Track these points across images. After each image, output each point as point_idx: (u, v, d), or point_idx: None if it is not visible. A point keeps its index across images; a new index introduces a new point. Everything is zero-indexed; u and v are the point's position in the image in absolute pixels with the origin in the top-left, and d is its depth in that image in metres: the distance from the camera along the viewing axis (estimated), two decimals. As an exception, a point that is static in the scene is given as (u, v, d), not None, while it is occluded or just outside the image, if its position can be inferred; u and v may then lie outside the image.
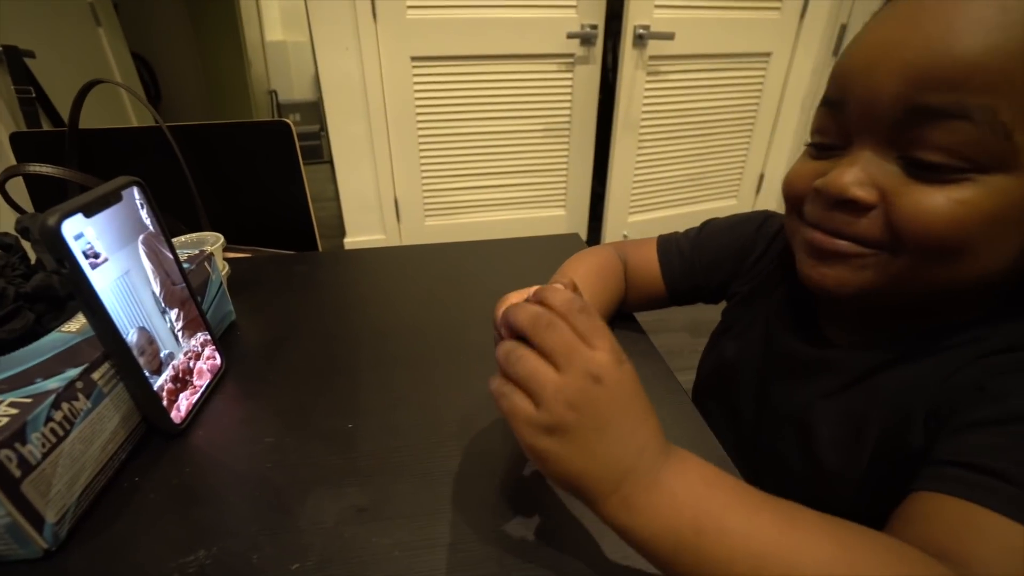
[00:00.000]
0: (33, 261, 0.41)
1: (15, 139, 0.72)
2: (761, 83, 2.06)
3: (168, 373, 0.39)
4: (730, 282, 0.51)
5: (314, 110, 4.17)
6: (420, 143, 1.97)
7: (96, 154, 0.77)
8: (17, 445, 0.29)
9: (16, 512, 0.28)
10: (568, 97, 1.99)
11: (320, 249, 0.82)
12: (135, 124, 2.07)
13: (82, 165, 0.75)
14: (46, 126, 1.53)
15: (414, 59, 1.82)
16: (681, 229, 0.55)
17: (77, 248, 0.31)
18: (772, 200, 2.35)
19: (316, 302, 0.59)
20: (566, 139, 2.08)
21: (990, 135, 0.26)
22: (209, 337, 0.45)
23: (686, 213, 2.25)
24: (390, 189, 2.06)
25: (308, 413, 0.42)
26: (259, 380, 0.46)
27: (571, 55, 1.91)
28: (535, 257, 0.71)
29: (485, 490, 0.35)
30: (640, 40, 1.80)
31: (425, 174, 2.05)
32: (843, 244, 0.32)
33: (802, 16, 1.96)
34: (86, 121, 0.72)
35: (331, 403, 0.43)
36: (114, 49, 2.05)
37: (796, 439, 0.40)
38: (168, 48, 2.90)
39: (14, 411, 0.30)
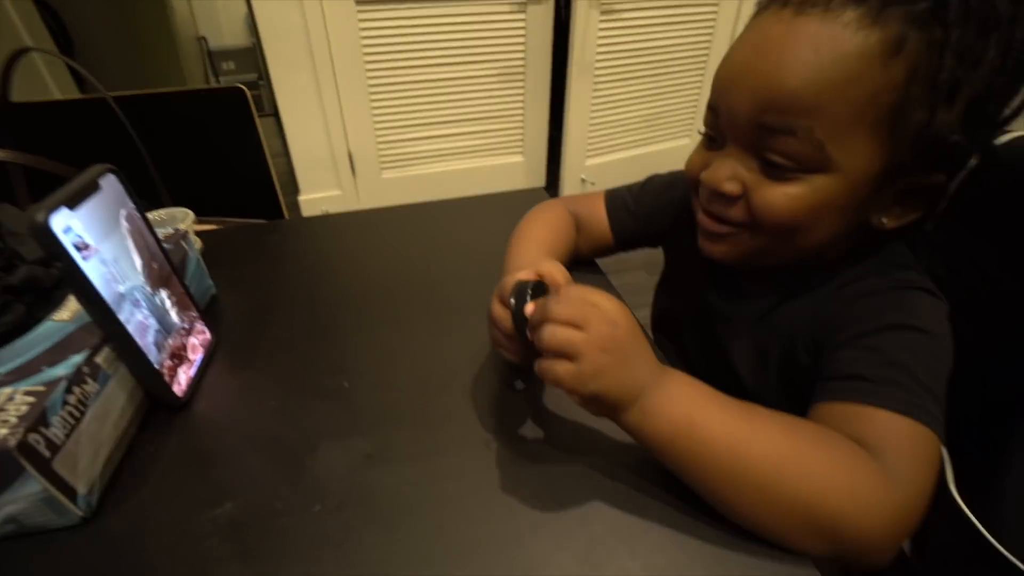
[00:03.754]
0: None
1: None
2: (714, 18, 2.06)
3: (166, 351, 0.41)
4: (666, 235, 0.57)
5: (250, 57, 3.86)
6: (371, 93, 1.90)
7: (32, 130, 0.73)
8: (42, 429, 0.31)
9: (51, 487, 0.31)
10: (521, 39, 1.95)
11: (285, 211, 0.82)
12: (54, 91, 1.90)
13: (20, 144, 0.71)
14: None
15: (359, 2, 1.73)
16: (639, 170, 0.61)
17: (67, 242, 0.32)
18: (724, 137, 2.41)
19: (292, 270, 0.61)
20: (521, 84, 2.05)
21: (810, 146, 0.34)
22: (197, 313, 0.47)
23: (642, 154, 2.28)
24: (343, 142, 1.99)
25: (304, 376, 0.45)
26: (251, 350, 0.48)
27: (522, -6, 1.85)
28: (502, 213, 0.74)
29: (477, 428, 0.40)
30: (591, -23, 1.76)
31: (378, 125, 1.99)
32: (722, 228, 0.40)
33: (751, -53, 1.95)
34: None
35: (324, 365, 0.46)
36: (14, -2, 1.84)
37: (726, 370, 0.49)
38: (75, -8, 2.61)
39: (31, 399, 0.32)
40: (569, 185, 2.16)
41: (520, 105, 2.10)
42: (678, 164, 0.56)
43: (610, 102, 2.10)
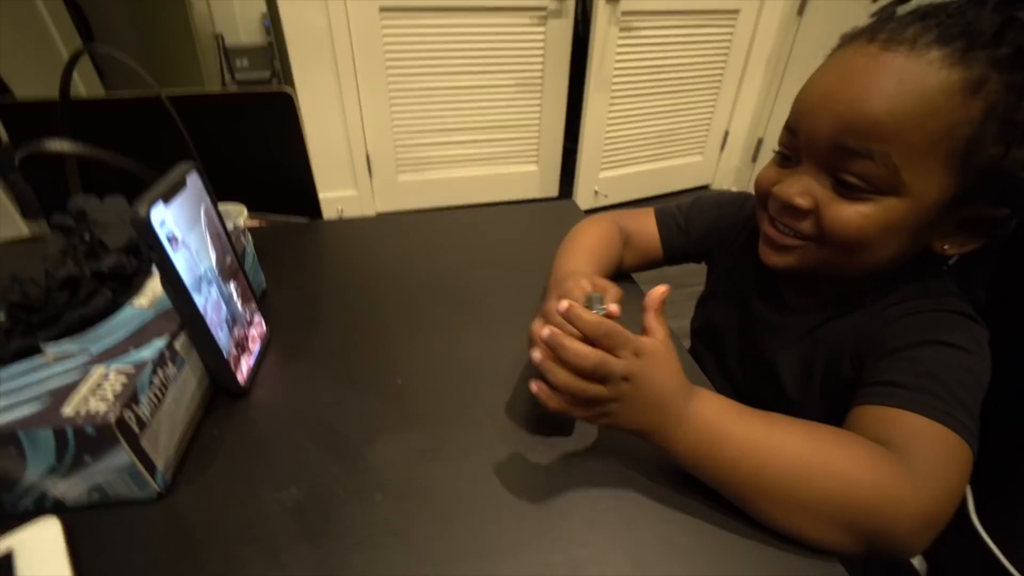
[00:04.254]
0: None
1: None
2: (729, 41, 2.10)
3: (233, 340, 0.43)
4: (714, 252, 0.60)
5: (263, 56, 3.89)
6: (391, 96, 1.94)
7: (82, 125, 0.75)
8: (133, 406, 0.33)
9: (138, 461, 0.33)
10: (540, 51, 1.99)
11: (323, 210, 0.85)
12: (79, 84, 1.93)
13: (75, 137, 0.74)
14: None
15: (383, 10, 1.77)
16: (651, 185, 0.64)
17: (163, 234, 0.35)
18: (735, 157, 2.44)
19: (336, 269, 0.63)
20: (538, 95, 2.08)
21: (885, 170, 0.36)
22: (256, 305, 0.49)
23: (655, 169, 2.31)
24: (361, 143, 2.03)
25: (357, 373, 0.47)
26: (302, 345, 0.51)
27: (543, 8, 1.90)
28: (536, 222, 0.77)
29: (524, 429, 0.42)
30: (614, -6, 1.80)
31: (397, 128, 2.02)
32: (788, 240, 0.43)
33: (770, -26, 1.99)
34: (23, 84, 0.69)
35: (376, 363, 0.48)
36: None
37: (769, 380, 0.51)
38: (97, -17, 2.63)
39: (124, 379, 0.34)
40: (583, 196, 2.19)
41: (536, 116, 2.14)
42: (690, 181, 0.59)
43: (626, 117, 2.13)
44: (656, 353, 0.34)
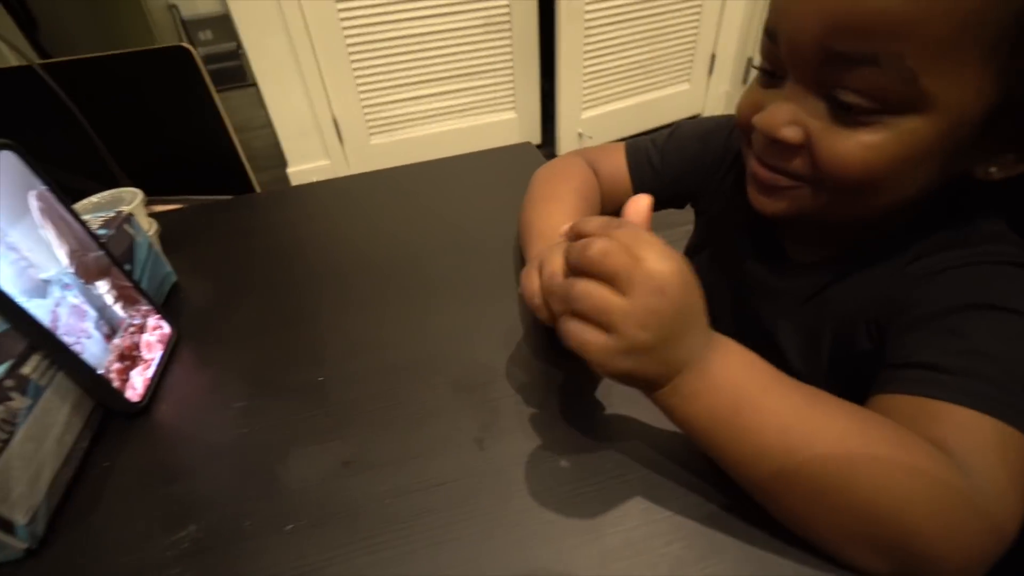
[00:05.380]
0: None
1: None
2: (710, -51, 1.91)
3: (112, 352, 0.36)
4: (699, 195, 0.50)
5: (227, 24, 3.67)
6: (350, 52, 1.80)
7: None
8: (-45, 458, 0.26)
9: (-23, 524, 0.27)
10: (505, -16, 1.82)
11: (257, 186, 0.76)
12: (10, 59, 1.79)
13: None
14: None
15: (326, -48, 1.60)
16: (638, 121, 0.54)
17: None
18: (725, 81, 2.28)
19: (263, 249, 0.55)
20: (508, 34, 1.92)
21: (897, 80, 0.26)
22: (150, 306, 0.42)
23: (640, 103, 2.17)
24: (326, 108, 1.90)
25: (275, 371, 0.40)
26: (216, 343, 0.44)
27: (503, -68, 1.71)
28: (490, 172, 0.68)
29: (469, 424, 0.35)
30: (578, -93, 1.62)
31: (362, 87, 1.89)
32: (779, 179, 0.34)
33: None
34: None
35: (298, 356, 0.41)
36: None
37: (768, 351, 0.42)
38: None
39: (-59, 424, 0.27)
40: (566, 140, 2.07)
41: (508, 57, 1.98)
42: (679, 111, 0.49)
43: (603, 48, 1.97)
44: (679, 265, 0.25)
